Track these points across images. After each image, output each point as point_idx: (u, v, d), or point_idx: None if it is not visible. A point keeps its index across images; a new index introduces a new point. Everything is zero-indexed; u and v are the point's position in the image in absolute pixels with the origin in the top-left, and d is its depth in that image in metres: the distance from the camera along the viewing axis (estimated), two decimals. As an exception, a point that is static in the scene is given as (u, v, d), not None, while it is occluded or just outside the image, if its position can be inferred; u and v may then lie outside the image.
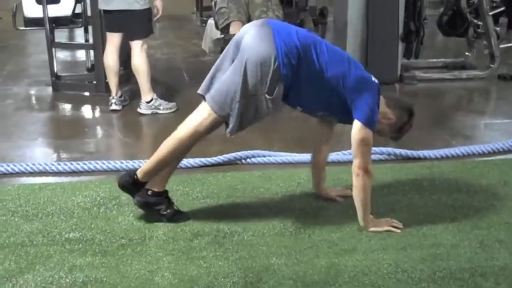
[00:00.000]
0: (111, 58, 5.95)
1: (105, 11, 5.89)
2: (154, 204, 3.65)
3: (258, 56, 3.34)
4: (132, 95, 6.39)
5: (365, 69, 3.63)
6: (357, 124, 3.47)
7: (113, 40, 5.94)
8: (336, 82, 3.44)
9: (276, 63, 3.33)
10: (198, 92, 3.56)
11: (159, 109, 5.93)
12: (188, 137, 3.51)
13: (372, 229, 3.57)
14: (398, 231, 3.58)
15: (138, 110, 5.94)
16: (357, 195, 3.55)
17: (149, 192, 3.64)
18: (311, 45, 3.43)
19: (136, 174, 3.61)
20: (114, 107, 6.04)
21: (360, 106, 3.46)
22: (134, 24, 5.78)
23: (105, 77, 6.32)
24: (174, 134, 3.57)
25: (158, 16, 6.08)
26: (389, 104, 3.67)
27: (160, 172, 3.63)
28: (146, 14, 5.82)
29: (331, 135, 3.90)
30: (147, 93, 5.91)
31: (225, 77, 3.45)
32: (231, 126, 3.45)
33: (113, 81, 6.03)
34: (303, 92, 3.48)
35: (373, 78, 3.58)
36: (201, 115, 3.49)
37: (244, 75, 3.34)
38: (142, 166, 3.65)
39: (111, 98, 6.07)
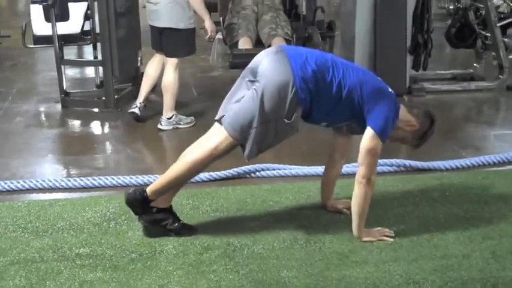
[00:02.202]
0: (153, 70, 6.14)
1: (151, 27, 5.99)
2: (161, 221, 3.66)
3: (276, 82, 3.40)
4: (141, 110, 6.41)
5: (384, 83, 3.66)
6: (369, 132, 3.48)
7: (159, 56, 6.09)
8: (355, 95, 3.48)
9: (294, 89, 3.39)
10: (215, 118, 3.60)
11: (180, 124, 5.96)
12: (202, 159, 3.55)
13: (365, 239, 3.59)
14: (391, 240, 3.59)
15: (159, 126, 5.94)
16: (356, 203, 3.56)
17: (154, 210, 3.64)
18: (328, 66, 3.49)
19: (145, 192, 3.61)
20: (133, 109, 6.13)
21: (375, 115, 3.48)
22: (176, 43, 5.85)
23: (114, 93, 6.47)
24: (188, 156, 3.60)
25: (208, 36, 6.14)
26: (411, 111, 3.70)
27: (169, 191, 3.66)
28: (190, 34, 5.90)
29: (347, 148, 3.91)
30: (169, 111, 5.94)
31: (242, 103, 3.49)
32: (248, 151, 3.50)
33: (144, 88, 6.15)
34: (324, 110, 3.53)
35: (390, 90, 3.61)
36: (218, 139, 3.53)
37: (261, 101, 3.39)
38: (152, 184, 3.65)
39: (136, 101, 6.18)
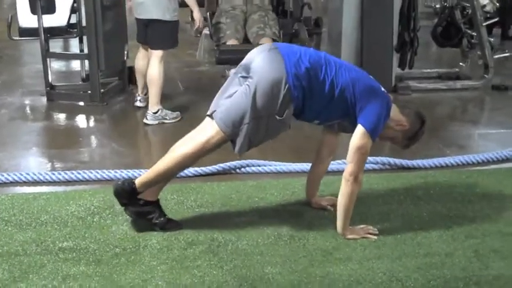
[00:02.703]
0: (142, 63, 6.27)
1: (137, 20, 6.08)
2: (147, 214, 3.65)
3: (269, 79, 3.41)
4: (127, 105, 6.41)
5: (377, 82, 3.67)
6: (360, 130, 3.49)
7: (145, 48, 6.22)
8: (347, 93, 3.49)
9: (287, 86, 3.40)
10: (207, 113, 3.59)
11: (165, 119, 5.98)
12: (193, 153, 3.55)
13: (349, 236, 3.59)
14: (375, 237, 3.60)
15: (145, 120, 5.97)
16: (342, 201, 3.56)
17: (141, 202, 3.63)
18: (321, 64, 3.50)
19: (134, 183, 3.61)
20: (138, 103, 6.39)
21: (366, 113, 3.49)
22: (162, 35, 5.94)
23: (100, 87, 6.51)
24: (178, 149, 3.59)
25: (196, 27, 6.29)
26: (403, 111, 3.72)
27: (158, 184, 3.65)
28: (174, 26, 5.98)
29: (335, 145, 3.91)
30: (154, 105, 5.96)
31: (234, 98, 3.50)
32: (238, 146, 3.50)
33: (140, 81, 6.35)
34: (317, 107, 3.54)
35: (383, 89, 3.62)
36: (209, 133, 3.53)
37: (253, 97, 3.40)
38: (141, 177, 3.65)
39: (136, 95, 6.44)
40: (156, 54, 5.94)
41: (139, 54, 6.31)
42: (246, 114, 3.42)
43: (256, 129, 3.46)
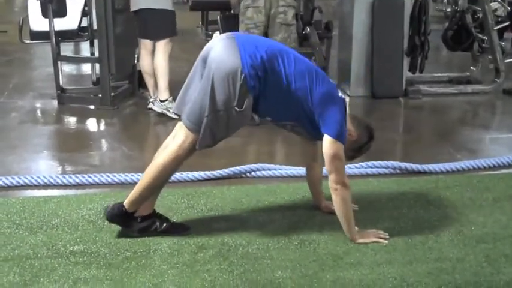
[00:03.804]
0: (145, 62, 6.28)
1: (134, 13, 6.16)
2: (149, 227, 3.64)
3: (225, 70, 3.36)
4: (137, 108, 6.43)
5: (333, 85, 3.66)
6: (327, 139, 3.47)
7: (145, 45, 6.26)
8: (303, 94, 3.45)
9: (243, 76, 3.34)
10: (173, 110, 3.56)
11: (169, 111, 6.01)
12: (170, 162, 3.51)
13: (359, 241, 3.58)
14: (386, 241, 3.59)
15: (150, 105, 6.23)
16: (338, 209, 3.56)
17: (139, 220, 3.62)
18: (277, 57, 3.45)
19: (123, 206, 3.58)
20: (151, 105, 6.32)
21: (328, 121, 3.47)
22: (158, 24, 6.08)
23: (110, 91, 6.50)
24: (156, 161, 3.57)
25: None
26: (353, 121, 3.68)
27: (148, 199, 3.63)
28: (167, 14, 6.12)
29: (316, 152, 3.86)
30: (163, 92, 6.13)
31: (196, 95, 3.45)
32: (200, 139, 3.45)
33: (149, 83, 6.33)
34: (271, 102, 3.48)
35: (340, 93, 3.61)
36: (180, 138, 3.50)
37: (212, 89, 3.36)
38: (129, 196, 3.60)
39: (149, 97, 6.36)
40: (160, 45, 6.11)
41: (141, 54, 6.38)
42: (205, 106, 3.37)
43: (216, 121, 3.40)
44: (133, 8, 6.12)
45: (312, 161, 3.91)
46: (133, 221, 3.61)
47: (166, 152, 3.52)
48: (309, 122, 3.54)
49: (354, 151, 3.73)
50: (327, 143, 3.47)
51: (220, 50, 3.44)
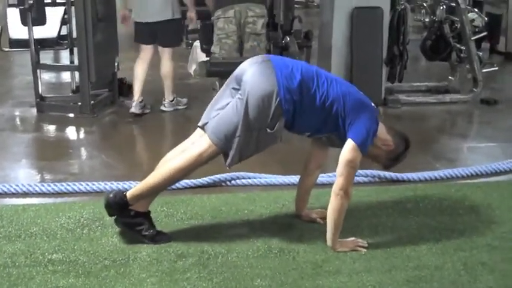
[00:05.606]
0: (140, 68, 6.59)
1: (142, 24, 6.51)
2: (136, 225, 3.64)
3: (260, 92, 3.42)
4: (117, 117, 6.42)
5: (365, 96, 3.69)
6: (350, 144, 3.50)
7: (145, 52, 6.62)
8: (338, 106, 3.51)
9: (278, 99, 3.41)
10: (198, 125, 3.61)
11: (179, 105, 6.79)
12: (187, 167, 3.55)
13: (339, 249, 3.59)
14: (364, 250, 3.60)
15: (162, 108, 6.69)
16: (331, 214, 3.57)
17: (132, 213, 3.63)
18: (312, 79, 3.52)
19: (126, 196, 3.60)
20: (133, 109, 6.51)
21: (356, 127, 3.51)
22: (170, 33, 6.56)
23: (90, 99, 6.53)
24: (171, 162, 3.60)
25: (192, 24, 7.03)
26: (389, 131, 3.73)
27: (150, 197, 3.65)
28: (179, 24, 6.77)
29: (323, 159, 3.92)
30: (170, 94, 6.71)
31: (225, 111, 3.51)
32: (230, 159, 3.52)
33: (137, 87, 6.56)
34: (308, 121, 3.55)
35: (373, 104, 3.64)
36: (202, 146, 3.54)
37: (245, 110, 3.41)
38: (133, 189, 3.64)
39: (132, 101, 6.55)
40: (168, 52, 6.57)
41: (139, 60, 6.60)
42: (237, 127, 3.43)
43: (248, 142, 3.47)
44: (149, 19, 6.44)
45: (317, 167, 3.93)
46: (126, 212, 3.62)
47: (185, 156, 3.56)
48: (343, 131, 3.57)
49: (392, 160, 3.80)
50: (348, 147, 3.51)
51: (256, 72, 3.49)
